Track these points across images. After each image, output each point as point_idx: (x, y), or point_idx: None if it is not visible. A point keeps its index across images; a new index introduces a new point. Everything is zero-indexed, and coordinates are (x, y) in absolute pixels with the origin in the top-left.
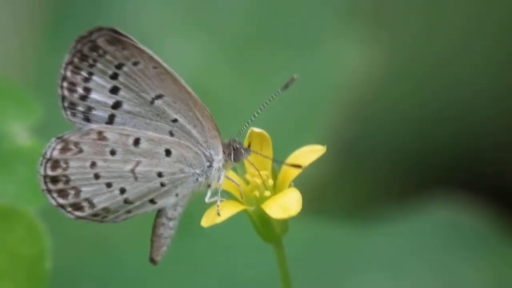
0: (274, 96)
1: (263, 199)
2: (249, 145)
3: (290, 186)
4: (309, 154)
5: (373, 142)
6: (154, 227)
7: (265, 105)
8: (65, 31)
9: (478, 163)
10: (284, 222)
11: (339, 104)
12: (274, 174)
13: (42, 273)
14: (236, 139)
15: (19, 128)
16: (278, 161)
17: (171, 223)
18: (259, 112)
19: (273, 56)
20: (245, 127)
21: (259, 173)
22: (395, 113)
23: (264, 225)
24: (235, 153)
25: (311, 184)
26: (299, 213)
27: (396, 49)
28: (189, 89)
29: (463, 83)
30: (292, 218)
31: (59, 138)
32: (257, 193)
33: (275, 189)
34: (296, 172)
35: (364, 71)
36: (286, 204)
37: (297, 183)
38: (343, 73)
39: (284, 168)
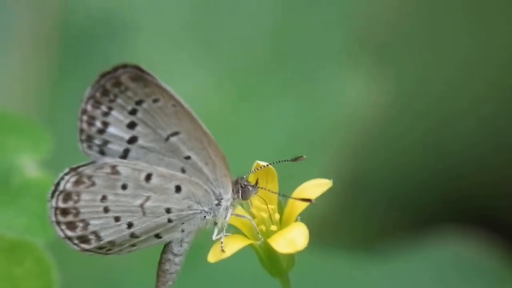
0: (279, 162)
1: (269, 233)
2: (256, 182)
3: (296, 220)
4: (316, 188)
5: (376, 176)
6: (160, 262)
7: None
8: (77, 67)
9: (486, 198)
10: (291, 257)
11: (343, 137)
12: (281, 208)
13: None
14: (244, 177)
15: (28, 161)
16: (286, 195)
17: (177, 259)
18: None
19: (280, 85)
20: (251, 172)
21: (267, 207)
22: (399, 146)
23: (271, 260)
24: (242, 191)
25: (314, 217)
26: (306, 248)
27: (400, 84)
28: (205, 128)
29: (465, 118)
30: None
31: (73, 170)
32: (263, 227)
33: (282, 224)
34: (302, 206)
35: (368, 105)
36: (293, 239)
37: (304, 217)
38: (348, 105)
39: (291, 202)
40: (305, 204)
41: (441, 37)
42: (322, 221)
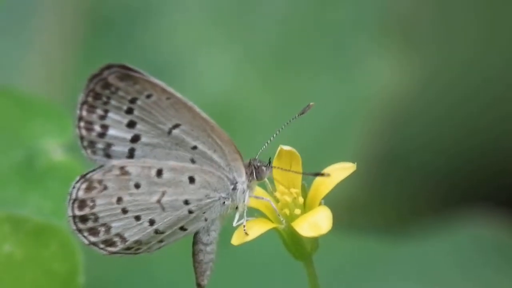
0: (290, 121)
1: (293, 217)
2: (269, 162)
3: (320, 204)
4: (340, 171)
5: (406, 158)
6: (193, 254)
7: (281, 129)
8: (102, 49)
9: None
10: (315, 240)
11: (369, 121)
12: (304, 192)
13: None
14: (256, 157)
15: (54, 145)
16: (306, 173)
17: (208, 248)
18: (277, 134)
19: (305, 72)
20: (264, 147)
21: (290, 191)
22: (426, 129)
23: (295, 243)
24: (256, 171)
25: (340, 199)
26: (330, 231)
27: (434, 67)
28: (205, 115)
29: (500, 104)
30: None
31: (82, 177)
32: (287, 211)
33: (306, 207)
34: (326, 189)
35: (394, 88)
36: (316, 223)
37: (332, 199)
38: (374, 91)
39: (315, 186)
40: (329, 187)
41: (465, 15)
42: (351, 203)
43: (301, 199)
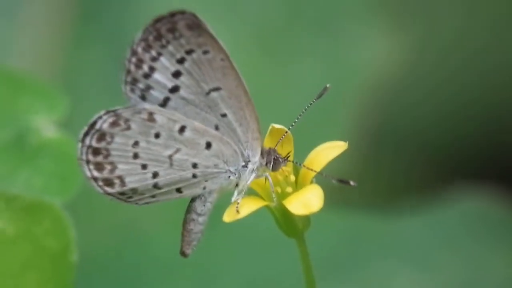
0: (309, 105)
1: (284, 195)
2: (287, 155)
3: (312, 182)
4: (331, 150)
5: (398, 133)
6: (185, 222)
7: (301, 115)
8: (93, 29)
9: (506, 155)
10: (306, 218)
11: (364, 94)
12: (296, 170)
13: (68, 266)
14: (275, 149)
15: (45, 122)
16: (298, 163)
17: (200, 219)
18: (296, 121)
19: (302, 44)
20: (284, 135)
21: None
22: (420, 104)
23: (286, 221)
24: (274, 161)
25: (337, 173)
26: (321, 209)
27: (424, 39)
28: (247, 88)
29: (494, 74)
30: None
31: (112, 111)
32: (278, 189)
33: (297, 185)
34: (317, 168)
35: (390, 61)
36: (307, 201)
37: (319, 177)
38: (364, 67)
39: (306, 163)
40: (320, 165)
41: None
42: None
43: (292, 177)
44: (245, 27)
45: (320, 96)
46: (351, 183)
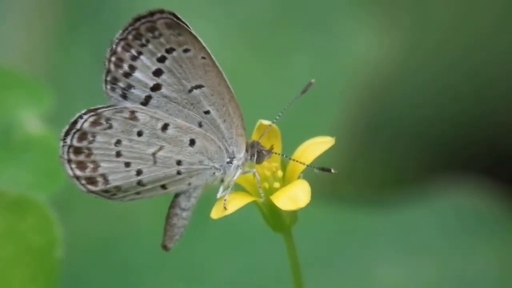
0: (294, 100)
1: (272, 190)
2: (271, 148)
3: (299, 177)
4: (318, 145)
5: (390, 126)
6: (168, 217)
7: (285, 110)
8: (80, 26)
9: (498, 148)
10: (294, 213)
11: (355, 88)
12: (283, 166)
13: (53, 262)
14: (259, 141)
15: (31, 117)
16: (286, 156)
17: (184, 214)
18: (280, 115)
19: (292, 39)
20: (269, 127)
21: (269, 165)
22: (412, 97)
23: (274, 216)
24: (258, 155)
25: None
26: (308, 204)
27: (416, 33)
28: (229, 84)
29: (486, 69)
30: (308, 204)
31: (92, 110)
32: (266, 185)
33: (284, 181)
34: (305, 163)
35: (381, 56)
36: (295, 196)
37: (309, 171)
38: (355, 61)
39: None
40: (308, 161)
41: None
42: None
43: (280, 173)
44: (233, 22)
45: (305, 91)
46: (332, 170)
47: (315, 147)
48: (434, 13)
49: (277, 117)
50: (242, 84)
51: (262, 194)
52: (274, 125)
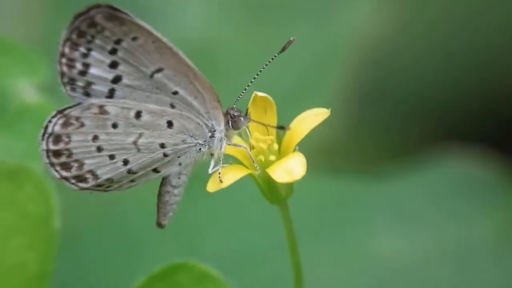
0: (271, 61)
1: (268, 163)
2: (247, 112)
3: (295, 150)
4: (314, 117)
5: (389, 96)
6: (160, 194)
7: (262, 70)
8: None
9: (492, 117)
10: (290, 185)
11: (350, 63)
12: (279, 139)
13: (51, 231)
14: (234, 106)
15: (26, 86)
16: (265, 124)
17: (176, 191)
18: (256, 77)
19: (283, 15)
20: (244, 92)
21: (264, 137)
22: (410, 68)
23: (270, 189)
24: (233, 120)
25: (323, 142)
26: (304, 176)
27: (414, 6)
28: (189, 62)
29: (486, 37)
30: (304, 176)
31: (60, 112)
32: (262, 158)
33: (280, 154)
34: (300, 136)
35: (378, 29)
36: (290, 168)
37: (307, 142)
38: (354, 33)
39: (289, 132)
40: (303, 133)
41: None
42: (330, 144)
43: (275, 146)
44: (220, 2)
45: (284, 49)
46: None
47: (310, 120)
48: None
49: (255, 76)
50: (241, 54)
51: (258, 167)
52: (269, 97)
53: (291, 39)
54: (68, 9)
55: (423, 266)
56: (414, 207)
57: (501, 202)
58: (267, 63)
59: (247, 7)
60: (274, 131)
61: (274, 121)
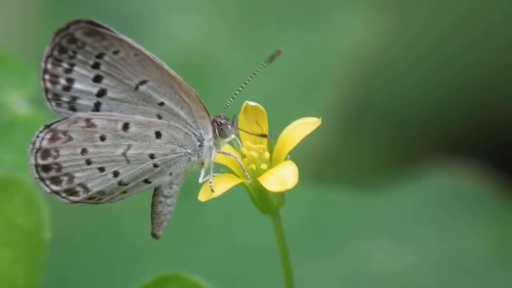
0: (259, 70)
1: (259, 172)
2: (233, 119)
3: (286, 158)
4: (304, 126)
5: (376, 111)
6: (152, 205)
7: (250, 79)
8: (69, 3)
9: (484, 131)
10: (281, 195)
11: (342, 74)
12: (270, 147)
13: (41, 243)
14: (221, 114)
15: (17, 98)
16: (268, 136)
17: (168, 201)
18: (243, 86)
19: (278, 24)
20: (231, 101)
21: (256, 146)
22: (398, 81)
23: (261, 198)
24: (219, 128)
25: (313, 153)
26: (296, 186)
27: (401, 16)
28: (173, 72)
29: (471, 52)
30: (296, 186)
31: (47, 127)
32: (253, 166)
33: (272, 162)
34: (292, 144)
35: (368, 41)
36: (282, 177)
37: (298, 152)
38: (347, 44)
39: (280, 141)
40: (294, 142)
41: None
42: (323, 155)
43: (267, 154)
44: (216, 11)
45: (272, 58)
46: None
47: (301, 129)
48: None
49: (242, 87)
50: (226, 68)
51: (249, 176)
52: (260, 106)
53: (279, 48)
54: (58, 20)
55: (411, 279)
56: (404, 220)
57: (491, 216)
58: (255, 72)
59: (239, 19)
60: (265, 139)
61: (265, 130)
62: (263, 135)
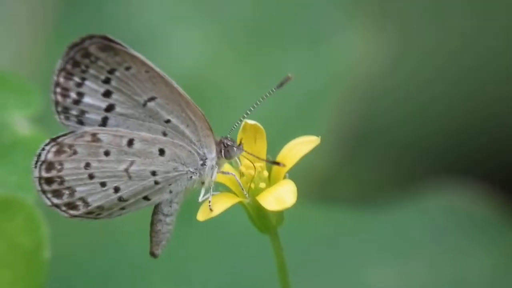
0: (267, 95)
1: (258, 191)
2: (240, 142)
3: (285, 177)
4: (304, 145)
5: (378, 132)
6: (152, 223)
7: (258, 103)
8: (73, 24)
9: (487, 153)
10: (280, 214)
11: (343, 95)
12: (269, 166)
13: (41, 263)
14: (228, 136)
15: (20, 118)
16: (268, 161)
17: (168, 219)
18: (252, 110)
19: (278, 47)
20: (238, 123)
21: (255, 165)
22: (399, 103)
23: (260, 217)
24: (225, 150)
25: (314, 173)
26: (295, 205)
27: (403, 40)
28: (181, 91)
29: (474, 75)
30: (295, 205)
31: (53, 140)
32: (252, 185)
33: (270, 181)
34: (291, 163)
35: (369, 62)
36: (281, 196)
37: (299, 172)
38: (348, 65)
39: (279, 159)
40: (293, 161)
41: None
42: (323, 176)
43: (266, 173)
44: (220, 32)
45: (281, 85)
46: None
47: (300, 147)
48: (421, 21)
49: (250, 110)
50: (227, 88)
51: (247, 195)
52: (259, 125)
53: (289, 75)
54: (60, 41)
55: None
56: (410, 239)
57: (498, 236)
58: (264, 97)
59: (241, 42)
60: (264, 158)
61: (264, 148)
62: (275, 163)
